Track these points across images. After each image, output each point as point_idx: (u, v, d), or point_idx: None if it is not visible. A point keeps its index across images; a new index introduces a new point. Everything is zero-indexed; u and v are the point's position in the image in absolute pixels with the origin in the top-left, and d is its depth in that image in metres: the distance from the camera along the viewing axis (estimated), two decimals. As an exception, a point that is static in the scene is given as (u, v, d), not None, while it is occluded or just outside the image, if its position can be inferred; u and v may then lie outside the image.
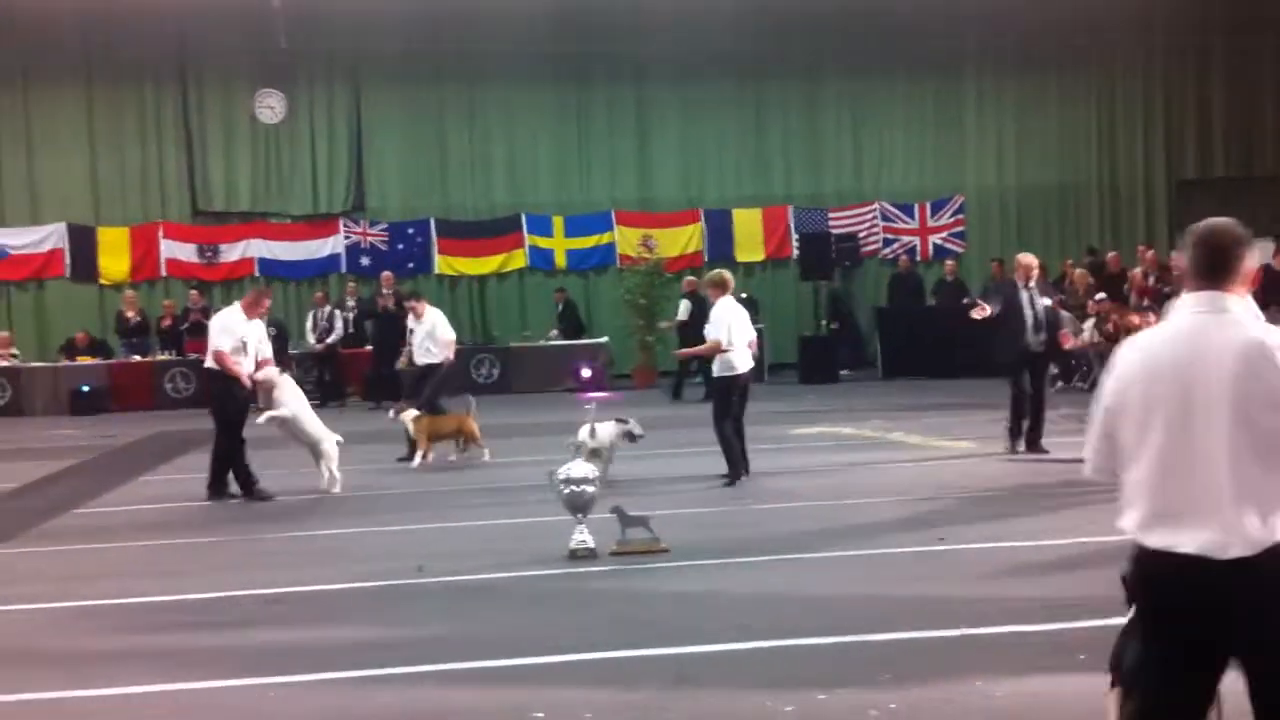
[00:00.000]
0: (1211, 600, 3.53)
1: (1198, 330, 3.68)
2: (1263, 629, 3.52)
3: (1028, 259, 13.78)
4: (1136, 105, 27.39)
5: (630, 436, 12.19)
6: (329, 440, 12.44)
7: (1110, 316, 19.24)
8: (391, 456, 14.42)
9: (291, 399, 12.45)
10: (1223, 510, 3.52)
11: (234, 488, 12.22)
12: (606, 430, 12.09)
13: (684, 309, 21.94)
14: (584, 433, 11.98)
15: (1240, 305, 3.71)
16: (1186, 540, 3.55)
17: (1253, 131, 27.25)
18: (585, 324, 25.03)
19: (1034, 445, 13.34)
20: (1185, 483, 3.60)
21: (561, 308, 24.62)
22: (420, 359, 14.94)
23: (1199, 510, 3.56)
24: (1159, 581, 3.67)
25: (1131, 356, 3.80)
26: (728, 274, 12.49)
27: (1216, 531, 3.52)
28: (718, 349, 11.99)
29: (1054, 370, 16.39)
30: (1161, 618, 3.67)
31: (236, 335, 12.31)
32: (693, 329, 21.56)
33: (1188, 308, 3.75)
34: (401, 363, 16.58)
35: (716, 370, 12.17)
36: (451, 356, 15.19)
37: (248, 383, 12.23)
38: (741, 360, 12.00)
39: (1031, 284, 13.51)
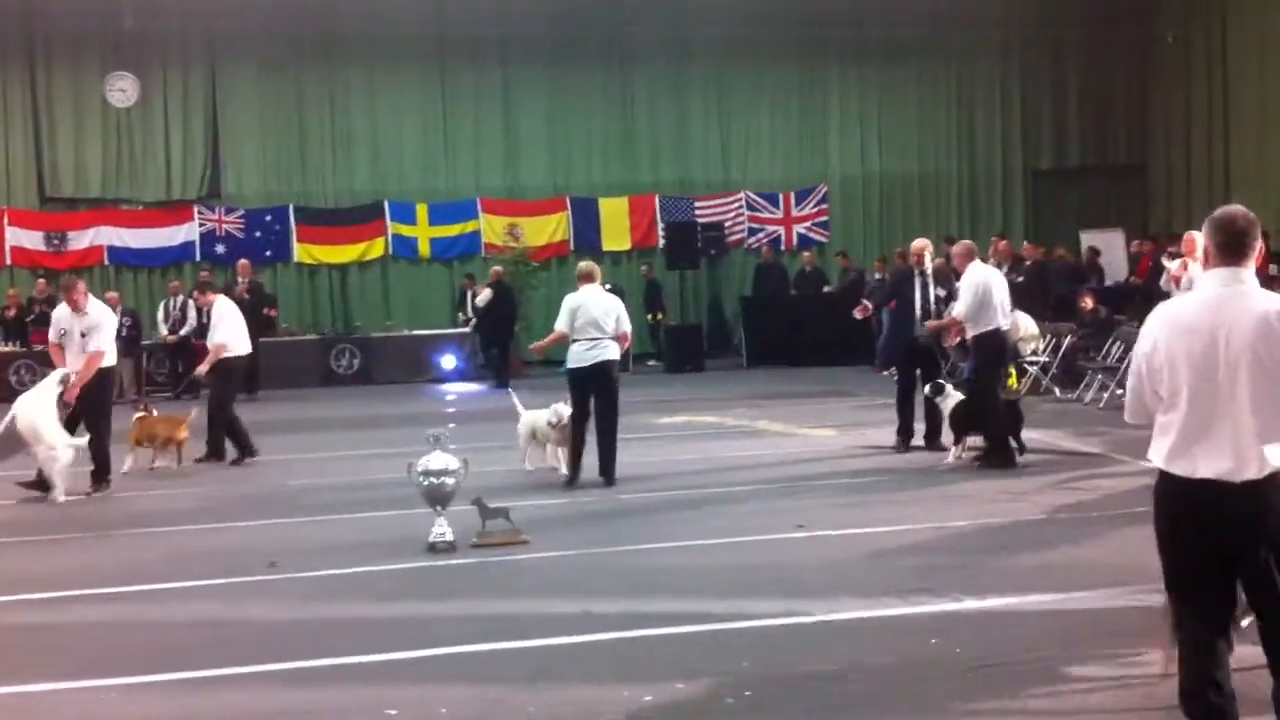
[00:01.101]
0: (1226, 515, 4.32)
1: (1221, 300, 4.44)
2: (1264, 536, 4.30)
3: (919, 244, 13.18)
4: (994, 96, 27.99)
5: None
6: (60, 447, 11.62)
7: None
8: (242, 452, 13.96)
9: (24, 402, 11.75)
10: (1237, 444, 4.32)
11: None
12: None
13: (484, 296, 22.08)
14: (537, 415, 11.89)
15: (1253, 279, 4.48)
16: (1205, 468, 4.35)
17: (1106, 122, 28.03)
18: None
19: (932, 442, 12.66)
20: (1207, 422, 4.38)
21: (473, 295, 24.07)
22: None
23: (1218, 443, 4.36)
24: (1182, 501, 4.45)
25: (1164, 319, 4.57)
26: (590, 264, 12.11)
27: (1231, 460, 4.32)
28: (561, 339, 11.65)
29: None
30: (1184, 531, 4.45)
31: (58, 328, 12.39)
32: (493, 318, 21.80)
33: (1212, 281, 4.51)
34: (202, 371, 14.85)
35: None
36: (224, 355, 14.05)
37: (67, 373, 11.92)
38: (587, 353, 11.29)
39: (926, 271, 12.88)
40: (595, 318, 11.35)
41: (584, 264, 12.24)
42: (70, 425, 12.03)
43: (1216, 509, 4.35)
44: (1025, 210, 27.88)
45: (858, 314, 13.57)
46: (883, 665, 6.00)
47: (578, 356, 11.37)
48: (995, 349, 11.89)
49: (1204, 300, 4.50)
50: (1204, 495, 4.37)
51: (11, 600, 7.97)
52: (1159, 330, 4.56)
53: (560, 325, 11.55)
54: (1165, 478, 4.51)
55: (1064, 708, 5.39)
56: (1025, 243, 23.33)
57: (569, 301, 11.55)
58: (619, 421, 11.61)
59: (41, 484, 11.81)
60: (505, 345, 22.05)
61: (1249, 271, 4.47)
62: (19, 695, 6.05)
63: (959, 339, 12.26)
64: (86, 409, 12.08)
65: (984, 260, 12.32)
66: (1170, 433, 4.48)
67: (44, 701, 5.98)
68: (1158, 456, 4.53)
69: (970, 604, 6.95)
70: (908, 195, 27.68)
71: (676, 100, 26.93)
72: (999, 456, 11.63)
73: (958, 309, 12.01)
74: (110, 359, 12.30)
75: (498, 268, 23.22)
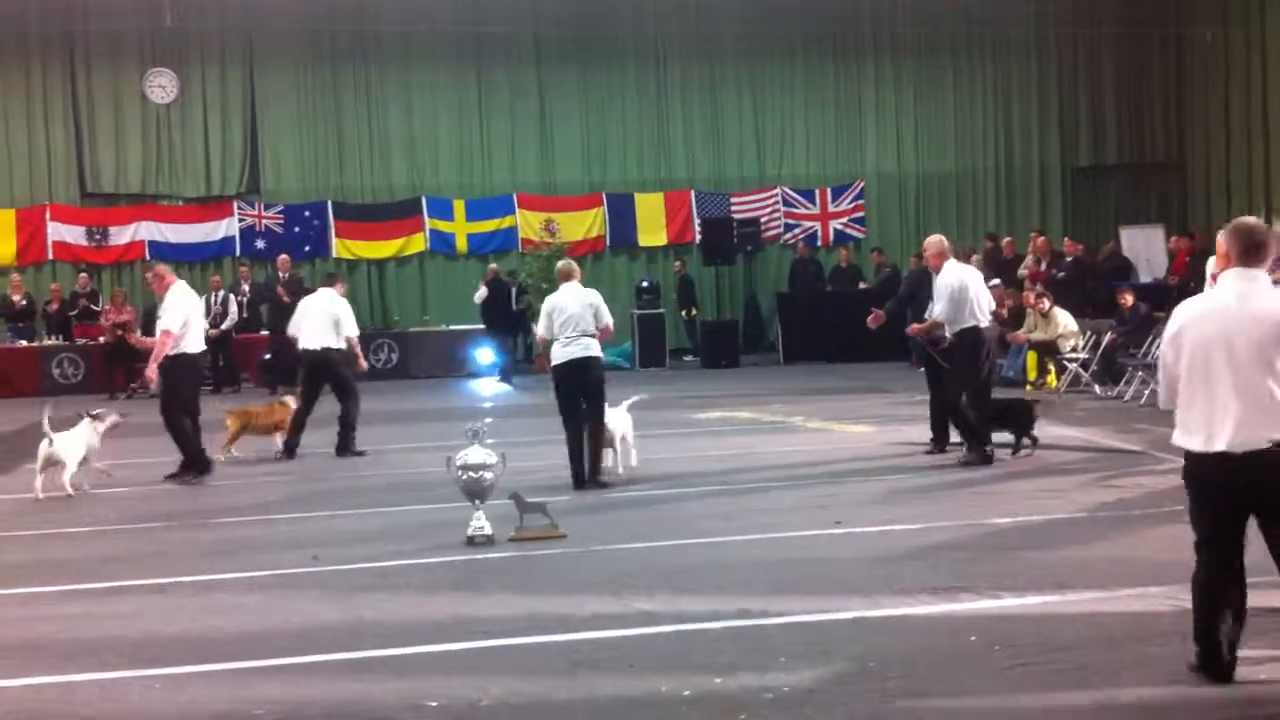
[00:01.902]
0: (1233, 479, 5.21)
1: (1238, 294, 5.25)
2: (1273, 500, 5.19)
3: (929, 242, 12.66)
4: (1030, 92, 27.84)
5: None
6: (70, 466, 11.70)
7: (1004, 301, 19.52)
8: (272, 446, 13.99)
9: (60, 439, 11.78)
10: (1245, 419, 5.13)
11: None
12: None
13: (480, 294, 22.38)
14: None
15: (1266, 279, 5.28)
16: (1218, 442, 5.19)
17: (1144, 119, 27.85)
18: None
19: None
20: (1220, 401, 5.19)
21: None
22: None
23: (1226, 420, 5.17)
24: (1198, 469, 5.32)
25: (1188, 310, 5.44)
26: (568, 263, 11.95)
27: (1237, 433, 5.14)
28: (544, 342, 11.66)
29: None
30: (1203, 493, 5.36)
31: None
32: (491, 313, 22.21)
33: (1231, 279, 5.33)
34: None
35: None
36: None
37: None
38: (565, 349, 11.17)
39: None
40: (573, 315, 11.20)
41: (562, 263, 12.10)
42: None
43: (1224, 475, 5.20)
44: (1063, 207, 27.73)
45: (871, 323, 13.42)
46: (921, 661, 5.99)
47: (558, 354, 11.27)
48: (973, 346, 11.79)
49: (1224, 295, 5.30)
50: (1214, 464, 5.21)
51: (57, 590, 8.07)
52: (1182, 318, 5.40)
53: (540, 330, 11.58)
54: (1188, 452, 5.34)
55: (1102, 706, 5.38)
56: (1066, 239, 23.22)
57: (546, 304, 11.52)
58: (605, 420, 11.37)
59: (184, 471, 12.29)
60: (505, 341, 22.38)
61: (1263, 271, 5.29)
62: (64, 685, 6.13)
63: (941, 339, 12.10)
64: (162, 395, 12.32)
65: (1021, 256, 12.17)
66: (1190, 411, 5.31)
67: (90, 691, 6.06)
68: (1179, 432, 5.38)
69: (1009, 601, 6.94)
70: (944, 191, 27.58)
71: (711, 96, 26.94)
72: (979, 454, 11.63)
73: (935, 311, 11.95)
74: (189, 345, 12.28)
75: (494, 265, 23.63)
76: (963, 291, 11.69)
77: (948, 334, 11.88)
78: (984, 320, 11.87)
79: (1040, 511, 9.48)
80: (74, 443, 11.65)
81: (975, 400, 11.85)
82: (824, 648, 6.27)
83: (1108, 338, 17.51)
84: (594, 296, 11.42)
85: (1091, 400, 16.57)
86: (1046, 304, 18.21)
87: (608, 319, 11.41)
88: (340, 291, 14.34)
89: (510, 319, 22.56)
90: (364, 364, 14.48)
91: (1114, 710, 5.33)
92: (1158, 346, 15.98)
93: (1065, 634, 6.32)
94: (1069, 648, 6.08)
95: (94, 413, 12.09)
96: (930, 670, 5.88)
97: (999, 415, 12.04)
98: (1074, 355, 17.63)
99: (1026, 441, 12.05)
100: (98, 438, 11.87)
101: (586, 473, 11.15)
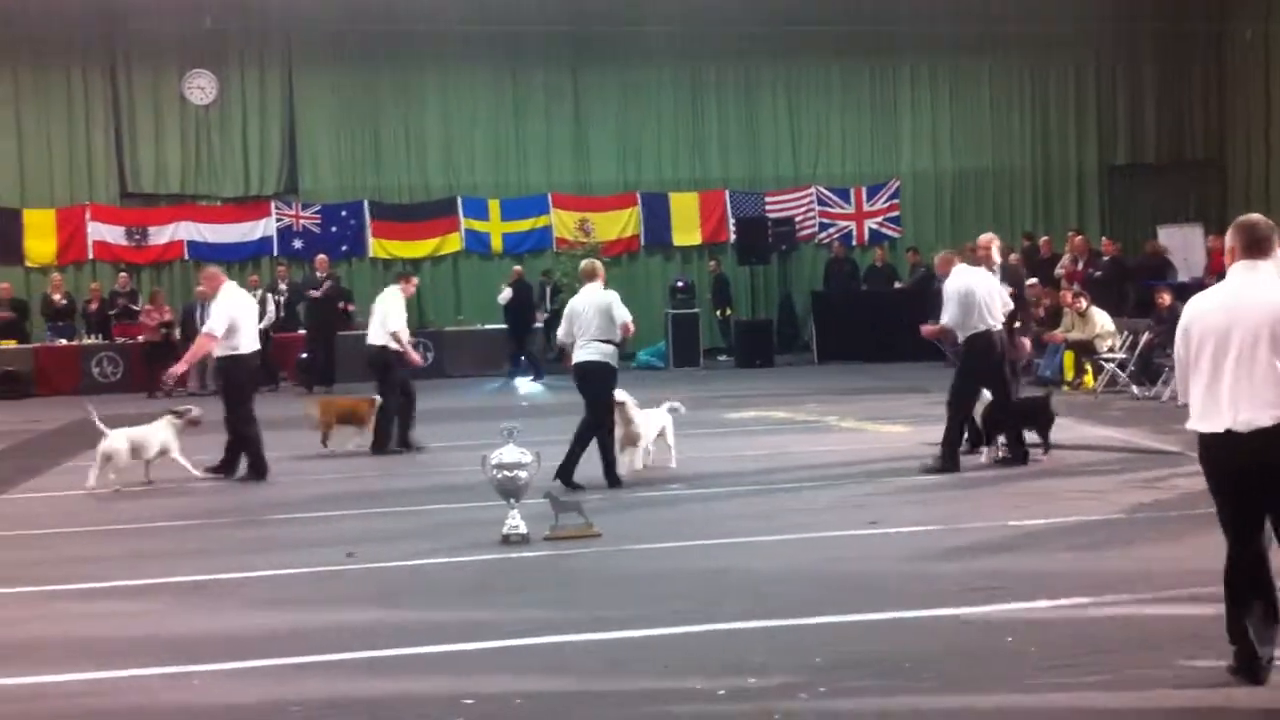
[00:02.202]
0: (1241, 458, 5.41)
1: (1243, 284, 5.56)
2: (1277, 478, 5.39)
3: (985, 239, 12.64)
4: (1068, 91, 27.65)
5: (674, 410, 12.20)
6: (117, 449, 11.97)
7: (1041, 301, 19.43)
8: (313, 445, 14.07)
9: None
10: (1250, 399, 5.38)
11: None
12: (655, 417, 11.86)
13: (505, 295, 22.69)
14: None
15: (1270, 270, 5.55)
16: (1226, 421, 5.43)
17: (1183, 118, 27.60)
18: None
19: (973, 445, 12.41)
20: (1226, 384, 5.43)
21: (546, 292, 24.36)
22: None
23: (1231, 401, 5.42)
24: (1210, 451, 5.55)
25: (1196, 307, 5.71)
26: (591, 263, 11.98)
27: (1243, 413, 5.38)
28: (562, 344, 11.76)
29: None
30: (1216, 476, 5.59)
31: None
32: (515, 314, 22.56)
33: (1237, 271, 5.62)
34: None
35: None
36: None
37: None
38: (576, 353, 11.26)
39: (995, 263, 12.47)
40: (585, 320, 11.21)
41: (585, 263, 12.13)
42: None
43: (1232, 454, 5.42)
44: (1101, 206, 27.53)
45: (925, 330, 13.24)
46: (956, 663, 5.97)
47: (574, 357, 11.32)
48: (984, 351, 11.69)
49: (1229, 286, 5.62)
50: (1222, 444, 5.44)
51: (97, 587, 8.16)
52: (1191, 313, 5.69)
53: (560, 333, 11.67)
54: (1200, 435, 5.58)
55: (1138, 710, 5.35)
56: (1104, 238, 23.05)
57: (566, 308, 11.57)
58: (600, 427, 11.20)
59: (224, 468, 12.43)
60: (523, 340, 22.69)
61: (1267, 264, 5.56)
62: (103, 681, 6.19)
63: (955, 343, 12.04)
64: (226, 399, 12.45)
65: (1058, 256, 12.07)
66: (1199, 396, 5.56)
67: (130, 686, 6.12)
68: (1192, 418, 5.61)
69: (1045, 603, 6.90)
70: (980, 191, 27.45)
71: (745, 96, 26.89)
72: (945, 463, 11.49)
73: (943, 318, 11.84)
74: (242, 345, 12.35)
75: (518, 267, 23.85)
76: (969, 296, 11.58)
77: (960, 339, 11.82)
78: (996, 323, 11.71)
79: (1077, 512, 9.42)
80: (123, 441, 11.82)
81: (1000, 402, 11.79)
82: (859, 648, 6.26)
83: (1145, 338, 17.37)
84: (610, 297, 11.38)
85: (1129, 400, 16.45)
86: (1084, 303, 18.10)
87: (624, 318, 11.30)
88: (404, 290, 14.38)
89: (531, 318, 22.73)
90: (414, 358, 14.49)
91: (1150, 714, 5.30)
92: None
93: (1102, 637, 6.29)
94: (1105, 651, 6.04)
95: (176, 409, 12.28)
96: (966, 672, 5.85)
97: (1023, 414, 11.99)
98: (1111, 355, 17.51)
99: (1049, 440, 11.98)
100: (175, 433, 12.07)
101: (570, 470, 11.08)
